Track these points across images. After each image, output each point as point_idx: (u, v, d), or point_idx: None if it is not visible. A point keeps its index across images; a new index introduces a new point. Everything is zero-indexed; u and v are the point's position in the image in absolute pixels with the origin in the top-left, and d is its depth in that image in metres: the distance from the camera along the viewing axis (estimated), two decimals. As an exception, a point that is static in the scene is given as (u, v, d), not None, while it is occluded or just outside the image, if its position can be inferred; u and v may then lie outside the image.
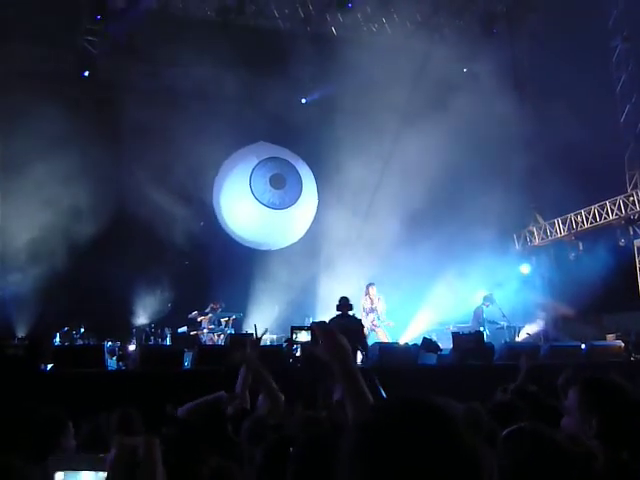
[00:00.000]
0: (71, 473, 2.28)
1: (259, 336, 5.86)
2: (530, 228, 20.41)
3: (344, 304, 12.86)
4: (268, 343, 15.41)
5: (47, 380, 10.67)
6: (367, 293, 15.98)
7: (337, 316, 12.78)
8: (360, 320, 12.82)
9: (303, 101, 20.15)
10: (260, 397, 5.51)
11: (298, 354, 12.02)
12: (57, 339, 14.13)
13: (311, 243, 18.85)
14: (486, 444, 1.45)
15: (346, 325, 12.43)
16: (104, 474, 2.24)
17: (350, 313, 12.94)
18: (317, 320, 2.72)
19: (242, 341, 12.62)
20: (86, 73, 17.38)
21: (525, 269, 20.05)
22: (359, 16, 19.07)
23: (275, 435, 2.91)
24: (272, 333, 15.31)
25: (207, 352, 12.26)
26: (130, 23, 16.71)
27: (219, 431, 4.55)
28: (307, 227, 19.89)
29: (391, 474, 1.33)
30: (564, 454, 2.38)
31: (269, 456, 2.69)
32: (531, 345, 15.18)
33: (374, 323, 15.80)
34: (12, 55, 15.72)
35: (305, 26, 18.54)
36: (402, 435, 1.36)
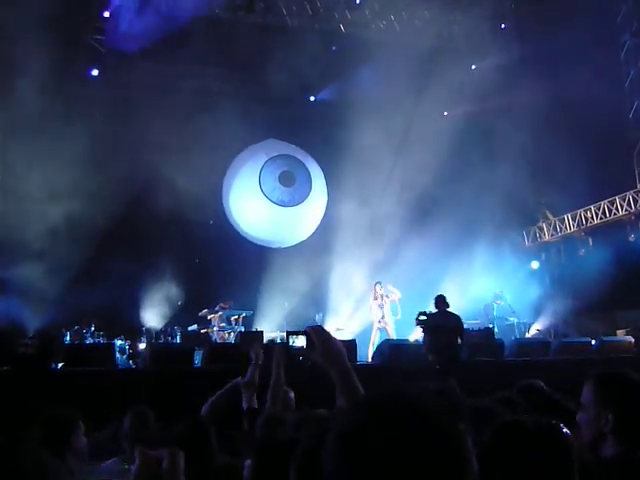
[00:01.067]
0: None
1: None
2: (540, 224, 20.36)
3: (440, 301, 12.81)
4: (278, 341, 15.42)
5: (57, 379, 10.70)
6: (374, 292, 16.04)
7: (435, 313, 12.75)
8: (458, 316, 12.79)
9: (312, 99, 20.17)
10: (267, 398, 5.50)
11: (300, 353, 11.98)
12: (67, 338, 14.18)
13: (321, 240, 18.83)
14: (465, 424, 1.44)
15: (444, 321, 12.45)
16: None
17: (448, 309, 12.91)
18: (315, 325, 2.74)
19: (252, 338, 12.68)
20: (94, 72, 17.42)
21: (535, 265, 20.01)
22: (367, 13, 19.01)
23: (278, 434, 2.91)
24: (282, 330, 15.33)
25: (218, 350, 12.26)
26: (138, 21, 16.74)
27: (235, 428, 4.55)
28: (317, 224, 19.88)
29: (369, 471, 1.33)
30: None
31: (262, 454, 2.69)
32: (541, 341, 15.16)
33: (380, 321, 15.87)
34: (18, 56, 15.75)
35: (313, 23, 18.51)
36: (374, 430, 1.36)
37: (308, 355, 2.58)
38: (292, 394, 6.19)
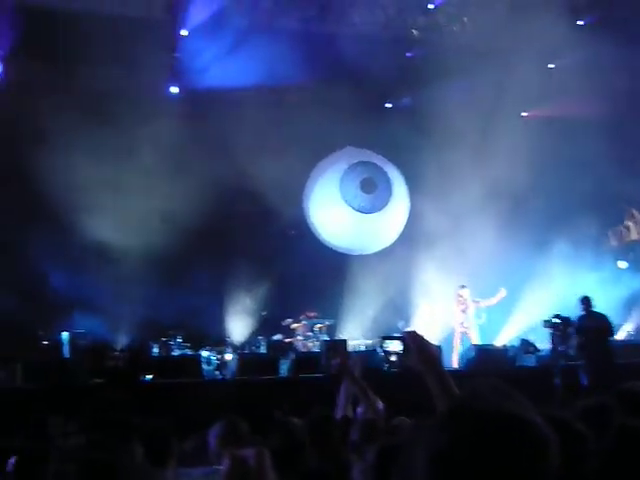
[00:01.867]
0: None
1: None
2: (626, 223, 19.89)
3: (586, 302, 12.74)
4: (363, 348, 15.42)
5: (148, 391, 10.93)
6: (459, 296, 15.94)
7: (582, 316, 12.68)
8: (605, 315, 12.70)
9: (389, 105, 20.12)
10: (359, 407, 5.50)
11: (393, 359, 11.91)
12: (155, 350, 14.44)
13: (402, 246, 18.75)
14: None
15: (591, 323, 12.37)
16: None
17: (594, 310, 12.84)
18: (410, 329, 2.76)
19: (337, 347, 12.73)
20: (174, 89, 17.71)
21: (622, 265, 19.52)
22: (440, 17, 18.87)
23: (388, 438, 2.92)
24: (366, 338, 15.33)
25: (303, 359, 12.38)
26: (213, 37, 16.97)
27: (327, 437, 4.56)
28: (399, 230, 19.73)
29: None
30: None
31: (381, 457, 2.70)
32: (632, 343, 14.83)
33: (464, 326, 15.76)
34: (93, 75, 16.16)
35: (386, 30, 18.47)
36: (472, 446, 1.32)
37: (403, 360, 2.60)
38: (381, 404, 6.15)
